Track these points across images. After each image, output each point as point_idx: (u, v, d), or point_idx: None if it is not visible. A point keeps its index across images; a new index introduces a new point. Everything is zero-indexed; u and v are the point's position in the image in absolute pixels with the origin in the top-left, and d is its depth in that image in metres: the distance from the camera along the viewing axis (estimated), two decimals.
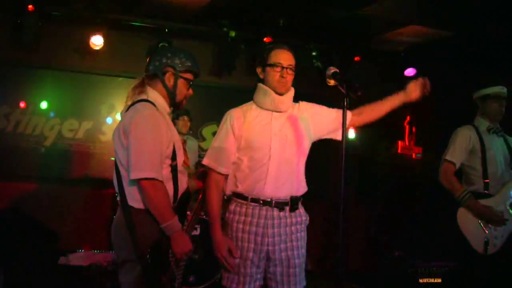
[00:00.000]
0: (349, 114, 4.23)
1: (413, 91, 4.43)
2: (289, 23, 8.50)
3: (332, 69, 3.88)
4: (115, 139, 3.88)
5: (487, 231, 5.29)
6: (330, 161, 8.95)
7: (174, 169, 3.90)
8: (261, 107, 4.20)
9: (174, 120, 7.92)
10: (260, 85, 4.21)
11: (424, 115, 10.10)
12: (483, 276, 5.31)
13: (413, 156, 10.34)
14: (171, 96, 3.98)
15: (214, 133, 10.03)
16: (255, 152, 4.10)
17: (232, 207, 4.18)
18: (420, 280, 6.61)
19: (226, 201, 4.24)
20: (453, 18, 7.78)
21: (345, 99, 3.67)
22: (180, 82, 3.99)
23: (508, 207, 5.35)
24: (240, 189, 4.12)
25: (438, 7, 7.44)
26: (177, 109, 4.11)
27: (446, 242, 5.79)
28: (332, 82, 3.89)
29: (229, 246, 4.07)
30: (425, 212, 8.65)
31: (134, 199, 3.77)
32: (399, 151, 10.36)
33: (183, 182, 4.00)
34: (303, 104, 4.34)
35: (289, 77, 4.15)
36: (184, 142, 8.05)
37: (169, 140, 3.84)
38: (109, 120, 8.95)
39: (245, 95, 10.67)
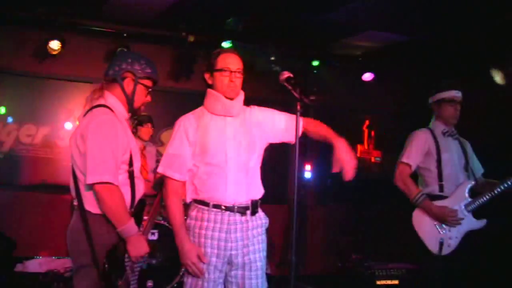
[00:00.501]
0: (302, 121, 4.18)
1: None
2: (248, 27, 8.53)
3: (286, 74, 3.90)
4: (72, 144, 3.86)
5: (442, 232, 5.35)
6: (291, 165, 9.00)
7: (131, 175, 3.90)
8: (212, 113, 4.16)
9: (138, 126, 7.92)
10: (210, 90, 4.18)
11: (383, 119, 10.23)
12: (439, 277, 5.37)
13: (372, 159, 10.45)
14: (129, 102, 3.98)
15: None
16: (212, 158, 4.07)
17: (193, 213, 4.13)
18: (378, 282, 6.69)
19: (186, 207, 4.19)
20: (410, 24, 7.87)
21: (298, 103, 3.71)
22: (139, 88, 3.99)
23: (463, 208, 5.42)
24: (201, 196, 4.08)
25: (395, 13, 7.52)
26: (134, 115, 4.10)
27: (403, 244, 5.85)
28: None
29: (197, 252, 4.01)
30: (384, 214, 8.74)
31: (91, 204, 3.76)
32: (358, 154, 10.45)
33: (140, 187, 4.01)
34: (254, 109, 4.33)
35: (238, 80, 4.13)
36: (144, 148, 8.04)
37: (126, 146, 3.85)
38: (67, 125, 8.88)
39: (203, 100, 10.65)
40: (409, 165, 5.51)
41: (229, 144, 4.10)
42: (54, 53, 8.26)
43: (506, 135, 7.87)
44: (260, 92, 9.99)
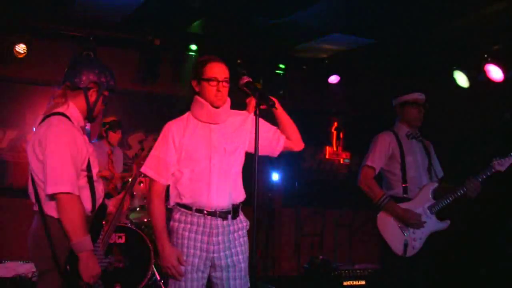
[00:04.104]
0: (282, 138, 4.35)
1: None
2: (214, 31, 8.56)
3: (246, 79, 3.98)
4: (29, 151, 3.89)
5: (406, 234, 5.41)
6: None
7: (90, 179, 3.94)
8: (198, 120, 4.25)
9: (108, 131, 7.92)
10: (197, 97, 4.24)
11: (351, 121, 10.30)
12: (403, 278, 5.43)
13: (341, 161, 10.51)
14: (89, 110, 4.04)
15: (140, 142, 10.11)
16: (196, 164, 4.16)
17: (176, 216, 4.21)
18: (344, 283, 6.74)
19: (168, 211, 4.26)
20: (375, 27, 7.95)
21: (257, 108, 3.80)
22: (101, 98, 4.06)
23: (426, 210, 5.49)
24: (184, 201, 4.16)
25: (360, 16, 7.60)
26: (90, 122, 4.14)
27: (369, 245, 5.93)
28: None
29: (177, 255, 4.09)
30: (351, 216, 8.82)
31: (51, 209, 3.77)
32: (327, 156, 10.51)
33: (100, 190, 4.05)
34: (250, 117, 4.34)
35: (225, 90, 4.20)
36: (111, 153, 8.04)
37: (84, 154, 3.90)
38: (34, 129, 8.83)
39: (169, 103, 10.69)
40: (373, 168, 5.57)
41: (214, 151, 4.18)
42: (20, 56, 8.21)
43: (470, 136, 7.99)
44: (228, 94, 10.04)
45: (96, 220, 3.96)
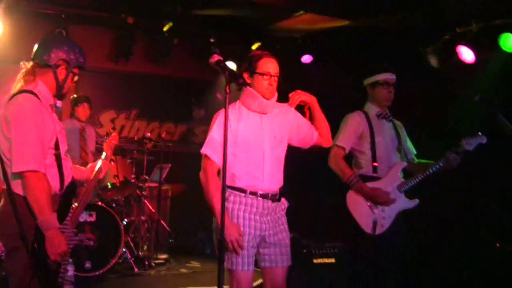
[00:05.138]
0: (315, 135, 4.81)
1: (305, 99, 4.85)
2: (188, 11, 8.53)
3: (216, 57, 4.01)
4: None
5: (375, 212, 5.46)
6: None
7: (57, 157, 3.94)
8: (249, 109, 4.55)
9: (74, 107, 7.88)
10: (249, 89, 4.51)
11: (324, 101, 10.31)
12: (372, 256, 5.50)
13: None
14: (58, 88, 4.04)
15: (112, 120, 10.09)
16: (250, 151, 4.48)
17: (230, 197, 4.44)
18: (315, 261, 6.78)
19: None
20: (347, 7, 7.96)
21: (227, 86, 3.90)
22: (70, 76, 4.05)
23: (395, 189, 5.55)
24: (239, 184, 4.44)
25: None
26: (59, 100, 4.13)
27: (339, 224, 5.96)
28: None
29: (238, 230, 4.34)
30: (322, 194, 8.85)
31: (18, 187, 3.77)
32: None
33: (68, 168, 4.06)
34: (292, 111, 4.77)
35: (275, 84, 4.53)
36: (83, 130, 8.01)
37: (52, 132, 3.90)
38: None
39: (142, 82, 10.64)
40: (343, 148, 5.61)
41: (266, 139, 4.54)
42: None
43: (440, 117, 8.04)
44: (200, 73, 10.04)
45: (64, 198, 3.96)
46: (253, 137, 4.50)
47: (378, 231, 5.45)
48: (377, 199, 5.46)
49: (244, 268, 4.38)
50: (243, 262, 4.36)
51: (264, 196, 4.48)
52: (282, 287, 4.62)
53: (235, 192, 4.45)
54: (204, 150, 4.43)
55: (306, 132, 4.78)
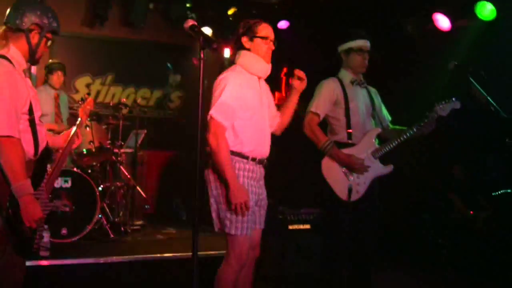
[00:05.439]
0: (277, 120, 4.93)
1: (299, 84, 4.93)
2: None
3: (190, 22, 3.99)
4: None
5: (350, 179, 5.50)
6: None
7: (32, 123, 3.90)
8: (251, 72, 4.64)
9: (48, 74, 7.81)
10: (249, 53, 4.63)
11: (300, 67, 10.31)
12: (348, 222, 5.54)
13: None
14: (32, 53, 3.98)
15: (87, 85, 10.04)
16: (256, 116, 4.59)
17: (236, 164, 4.50)
18: (290, 227, 6.83)
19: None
20: None
21: (201, 51, 3.87)
22: (43, 41, 4.01)
23: (370, 155, 5.58)
24: (244, 150, 4.53)
25: None
26: (33, 65, 4.10)
27: (314, 190, 5.99)
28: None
29: (246, 192, 4.45)
30: (297, 160, 8.88)
31: None
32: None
33: (43, 134, 4.02)
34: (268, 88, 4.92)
35: (272, 48, 4.70)
36: (57, 97, 7.95)
37: (25, 97, 3.85)
38: None
39: (117, 47, 10.54)
40: (317, 115, 5.62)
41: (264, 103, 4.71)
42: None
43: (415, 85, 8.08)
44: (176, 38, 9.97)
45: (39, 164, 3.94)
46: (257, 103, 4.62)
47: (353, 197, 5.47)
48: (351, 165, 5.49)
49: (248, 232, 4.49)
50: (247, 227, 4.47)
51: (261, 162, 4.63)
52: (258, 246, 4.77)
53: (238, 158, 4.51)
54: (215, 114, 4.43)
55: (274, 113, 4.90)
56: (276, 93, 10.49)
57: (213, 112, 4.43)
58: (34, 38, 3.96)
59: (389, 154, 5.63)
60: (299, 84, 4.90)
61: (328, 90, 5.67)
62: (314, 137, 5.61)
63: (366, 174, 5.55)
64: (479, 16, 7.33)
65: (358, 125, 5.64)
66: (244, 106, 4.51)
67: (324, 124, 5.76)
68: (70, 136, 4.50)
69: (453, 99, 5.49)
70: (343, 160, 5.50)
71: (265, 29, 4.65)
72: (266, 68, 4.69)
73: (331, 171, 5.57)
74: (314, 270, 6.64)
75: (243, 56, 4.65)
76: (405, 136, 5.55)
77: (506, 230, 7.39)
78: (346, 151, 5.54)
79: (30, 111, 3.89)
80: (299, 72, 4.91)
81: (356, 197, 5.51)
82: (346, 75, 5.76)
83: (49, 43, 4.08)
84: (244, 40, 4.63)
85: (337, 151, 5.52)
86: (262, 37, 4.61)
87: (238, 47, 4.66)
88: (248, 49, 4.64)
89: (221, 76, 4.55)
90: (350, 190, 5.44)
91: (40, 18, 3.95)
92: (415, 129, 5.52)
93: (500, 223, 7.62)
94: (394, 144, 5.59)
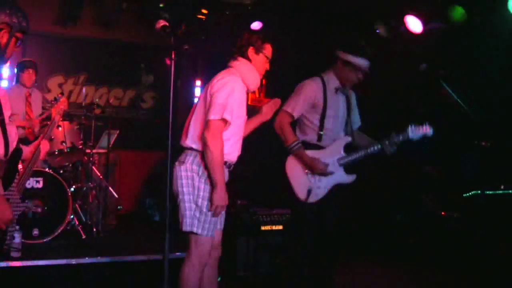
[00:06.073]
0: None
1: (267, 113, 5.02)
2: None
3: (162, 22, 4.02)
4: None
5: (311, 181, 5.53)
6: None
7: (1, 122, 3.88)
8: (244, 82, 4.66)
9: (19, 72, 7.75)
10: (250, 64, 4.69)
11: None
12: (310, 223, 5.57)
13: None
14: (0, 52, 3.95)
15: (59, 85, 9.98)
16: (242, 124, 4.71)
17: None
18: (262, 228, 6.85)
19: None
20: None
21: (172, 52, 3.94)
22: (13, 40, 3.97)
23: (335, 162, 5.59)
24: (226, 157, 4.55)
25: None
26: (2, 64, 4.07)
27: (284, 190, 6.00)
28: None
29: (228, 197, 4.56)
30: (269, 160, 8.90)
31: None
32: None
33: (13, 134, 3.99)
34: None
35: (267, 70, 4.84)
36: (29, 95, 7.89)
37: None
38: None
39: (91, 47, 10.48)
40: (291, 115, 5.60)
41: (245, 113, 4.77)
42: None
43: (390, 89, 8.14)
44: (149, 38, 9.95)
45: (10, 164, 3.91)
46: (244, 112, 4.71)
47: (312, 199, 5.51)
48: (314, 168, 5.52)
49: (213, 233, 4.55)
50: (213, 228, 4.53)
51: (230, 166, 4.70)
52: (220, 246, 4.82)
53: None
54: (225, 115, 4.43)
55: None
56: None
57: (225, 114, 4.43)
58: (3, 37, 3.92)
59: (354, 163, 5.69)
60: (268, 112, 5.02)
61: (309, 93, 5.62)
62: (283, 135, 5.60)
63: (328, 179, 5.59)
64: (451, 18, 7.39)
65: (330, 131, 5.65)
66: (239, 113, 4.58)
67: (294, 121, 5.75)
68: (37, 146, 4.48)
69: (426, 124, 5.52)
70: (307, 162, 5.52)
71: (270, 49, 4.77)
72: (257, 85, 4.79)
73: (294, 170, 5.61)
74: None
75: (245, 66, 4.68)
76: (369, 151, 5.62)
77: (477, 230, 7.48)
78: (314, 153, 5.57)
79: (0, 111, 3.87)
80: (276, 102, 5.03)
81: (314, 199, 5.54)
82: (332, 80, 5.70)
83: (18, 42, 4.05)
84: (251, 50, 4.68)
85: (302, 152, 5.53)
86: (266, 56, 4.73)
87: (239, 53, 4.69)
88: (249, 59, 4.69)
89: (225, 79, 4.54)
90: (309, 192, 5.47)
91: (9, 17, 3.91)
92: (379, 146, 5.59)
93: (470, 223, 7.71)
94: (359, 155, 5.64)
